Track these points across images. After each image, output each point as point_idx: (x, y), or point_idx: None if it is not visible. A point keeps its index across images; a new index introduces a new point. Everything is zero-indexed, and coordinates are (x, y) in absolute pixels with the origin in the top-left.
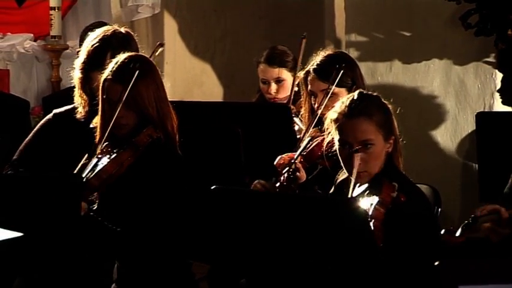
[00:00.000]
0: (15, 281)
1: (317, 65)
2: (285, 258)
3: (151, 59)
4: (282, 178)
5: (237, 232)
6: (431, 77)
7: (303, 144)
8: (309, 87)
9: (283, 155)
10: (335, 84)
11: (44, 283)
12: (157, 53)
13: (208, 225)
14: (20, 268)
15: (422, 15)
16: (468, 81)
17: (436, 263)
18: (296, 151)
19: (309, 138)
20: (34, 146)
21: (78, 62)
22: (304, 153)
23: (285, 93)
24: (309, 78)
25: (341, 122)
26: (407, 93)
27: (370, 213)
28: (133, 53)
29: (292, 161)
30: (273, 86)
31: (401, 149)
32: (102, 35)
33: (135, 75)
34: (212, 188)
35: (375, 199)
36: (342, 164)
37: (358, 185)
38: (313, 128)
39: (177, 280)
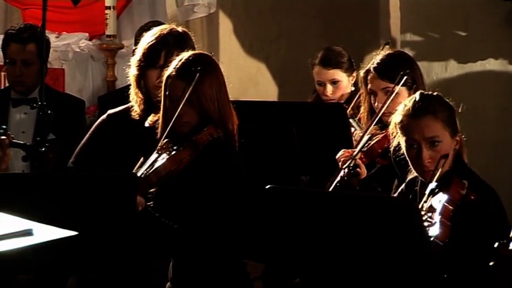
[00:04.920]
0: (69, 280)
1: (377, 63)
2: (339, 258)
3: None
4: (342, 173)
5: (292, 232)
6: (487, 76)
7: (363, 141)
8: (369, 86)
9: (345, 150)
10: (399, 85)
11: (98, 282)
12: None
13: (263, 224)
14: (74, 267)
15: (478, 15)
16: None
17: (492, 262)
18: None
19: (369, 135)
20: (90, 148)
21: (134, 60)
22: (365, 150)
23: (341, 94)
24: (369, 77)
25: (407, 123)
26: (463, 92)
27: (438, 210)
28: (197, 52)
29: (353, 155)
30: (329, 88)
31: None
32: (159, 33)
33: (198, 73)
34: (267, 187)
35: (444, 196)
36: (410, 165)
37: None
38: (373, 126)
39: (232, 279)
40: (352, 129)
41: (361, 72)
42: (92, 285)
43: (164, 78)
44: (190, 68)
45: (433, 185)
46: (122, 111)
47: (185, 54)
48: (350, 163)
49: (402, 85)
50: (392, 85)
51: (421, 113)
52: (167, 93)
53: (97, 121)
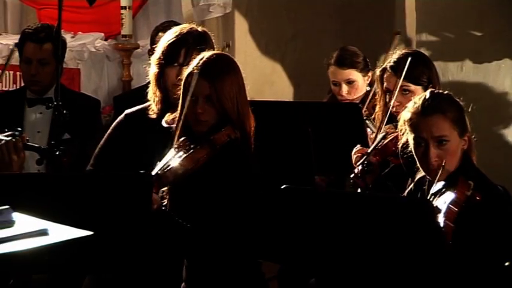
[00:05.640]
0: (85, 280)
1: (394, 62)
2: (354, 258)
3: None
4: (356, 170)
5: (307, 232)
6: (502, 76)
7: (377, 139)
8: (385, 84)
9: (360, 147)
10: (403, 77)
11: (113, 282)
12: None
13: (279, 224)
14: (89, 267)
15: (493, 15)
16: None
17: (507, 264)
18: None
19: (384, 133)
20: (108, 149)
21: (154, 58)
22: (379, 148)
23: (356, 94)
24: (385, 75)
25: (415, 121)
26: (478, 92)
27: (443, 210)
28: (218, 51)
29: (367, 153)
30: (344, 88)
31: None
32: (179, 31)
33: (224, 71)
34: (282, 187)
35: (449, 197)
36: (417, 163)
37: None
38: (388, 124)
39: (247, 280)
40: (368, 130)
41: (377, 71)
42: (107, 286)
43: (184, 76)
44: (212, 66)
45: (439, 185)
46: (139, 111)
47: (206, 53)
48: (364, 160)
49: (417, 84)
50: (409, 83)
51: (430, 111)
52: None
53: (114, 122)
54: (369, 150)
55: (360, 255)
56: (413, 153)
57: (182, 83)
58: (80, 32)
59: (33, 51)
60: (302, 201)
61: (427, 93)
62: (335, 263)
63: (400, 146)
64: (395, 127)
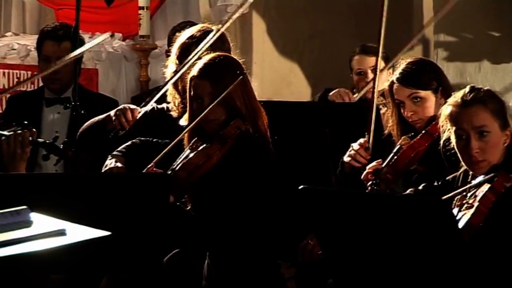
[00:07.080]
0: (103, 280)
1: (399, 73)
2: (372, 258)
3: None
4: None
5: (325, 232)
6: None
7: (390, 155)
8: (395, 97)
9: (374, 164)
10: (412, 87)
11: (131, 282)
12: None
13: (297, 225)
14: (107, 267)
15: (511, 15)
16: None
17: None
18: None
19: (398, 147)
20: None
21: (170, 60)
22: (391, 164)
23: (381, 85)
24: (393, 89)
25: (456, 113)
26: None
27: (478, 197)
28: (218, 53)
29: (378, 172)
30: (370, 76)
31: None
32: (191, 32)
33: (224, 69)
34: (300, 188)
35: (487, 186)
36: (460, 157)
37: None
38: (402, 136)
39: (266, 280)
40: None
41: (386, 86)
42: (124, 286)
43: (188, 80)
44: (212, 66)
45: (479, 178)
46: (159, 111)
47: (206, 56)
48: (374, 180)
49: (427, 89)
50: (419, 90)
51: (470, 102)
52: (192, 94)
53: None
54: (382, 167)
55: (377, 255)
56: (455, 148)
57: (187, 87)
58: (97, 33)
59: (52, 49)
60: (320, 202)
61: (467, 88)
62: (352, 263)
63: (442, 142)
64: (411, 138)
